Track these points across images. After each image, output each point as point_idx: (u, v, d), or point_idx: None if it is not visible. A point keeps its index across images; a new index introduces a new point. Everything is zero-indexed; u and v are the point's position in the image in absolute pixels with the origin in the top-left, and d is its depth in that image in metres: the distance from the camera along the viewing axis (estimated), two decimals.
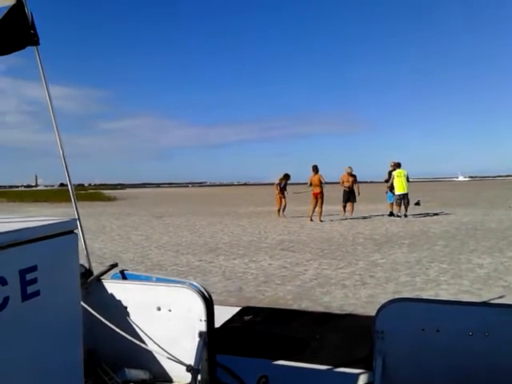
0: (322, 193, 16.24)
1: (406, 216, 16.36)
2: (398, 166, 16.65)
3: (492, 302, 5.26)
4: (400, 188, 16.23)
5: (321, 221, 15.86)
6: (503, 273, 6.89)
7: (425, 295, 5.68)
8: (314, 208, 16.32)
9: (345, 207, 17.20)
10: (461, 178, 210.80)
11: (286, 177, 18.08)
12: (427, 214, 17.27)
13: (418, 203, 21.86)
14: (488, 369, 2.13)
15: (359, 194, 17.00)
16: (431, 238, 10.89)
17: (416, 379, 2.25)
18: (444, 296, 5.63)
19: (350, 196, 16.83)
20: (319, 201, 16.19)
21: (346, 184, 16.70)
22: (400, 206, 16.53)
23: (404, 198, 16.40)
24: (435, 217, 16.68)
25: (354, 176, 16.84)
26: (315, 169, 16.44)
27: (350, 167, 16.87)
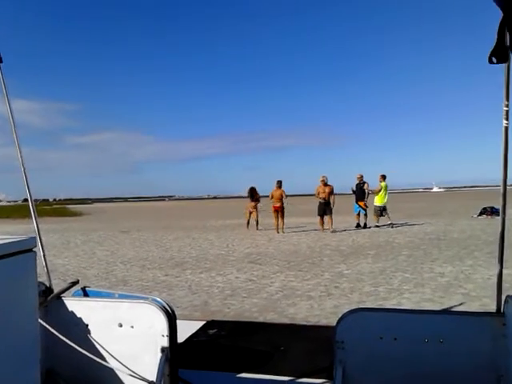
0: (282, 206, 16.60)
1: (377, 226, 16.90)
2: (384, 178, 17.09)
3: (451, 309, 5.40)
4: (382, 200, 16.78)
5: (284, 232, 16.23)
6: (463, 281, 7.07)
7: (388, 304, 5.77)
8: (278, 221, 16.60)
9: (322, 221, 16.34)
10: (435, 189, 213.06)
11: (253, 190, 18.18)
12: (393, 226, 17.61)
13: (382, 214, 22.25)
14: (443, 375, 2.19)
15: (333, 205, 16.24)
16: (396, 249, 11.09)
17: None
18: (406, 304, 5.74)
19: (325, 209, 16.06)
20: (280, 214, 16.55)
21: (322, 195, 16.05)
22: (379, 216, 17.02)
23: (384, 210, 16.97)
24: (400, 227, 17.01)
25: (329, 186, 16.23)
26: (278, 183, 16.80)
27: (324, 176, 16.27)
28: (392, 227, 16.76)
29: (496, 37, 2.02)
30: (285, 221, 16.84)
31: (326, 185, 16.18)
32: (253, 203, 17.93)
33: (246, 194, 18.21)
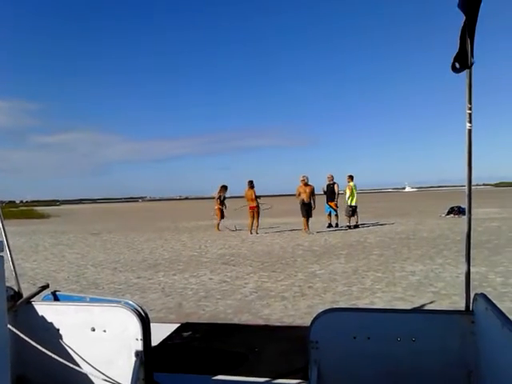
0: (257, 207, 16.54)
1: (354, 227, 17.01)
2: (351, 178, 17.24)
3: (422, 307, 5.51)
4: (353, 200, 16.89)
5: (257, 233, 16.20)
6: (433, 279, 7.23)
7: (361, 304, 5.85)
8: (253, 221, 16.55)
9: (307, 222, 15.86)
10: (408, 189, 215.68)
11: (224, 188, 18.13)
12: (363, 225, 17.84)
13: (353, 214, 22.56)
14: (415, 372, 2.23)
15: (314, 207, 15.87)
16: (367, 248, 11.26)
17: None
18: (379, 303, 5.83)
19: (308, 210, 15.65)
20: (255, 214, 16.50)
21: (303, 195, 15.66)
22: (351, 216, 17.12)
23: (355, 210, 17.10)
24: (371, 227, 17.27)
25: (310, 186, 15.86)
26: (250, 184, 16.76)
27: (305, 176, 15.91)
28: (357, 227, 16.95)
29: (458, 43, 2.08)
30: (259, 222, 16.79)
31: (306, 185, 15.88)
32: (218, 200, 17.84)
33: (216, 195, 17.98)
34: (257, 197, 16.59)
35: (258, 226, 16.58)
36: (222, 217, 18.03)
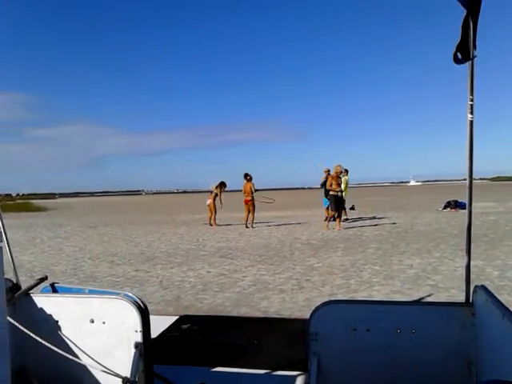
0: (252, 200, 16.27)
1: (346, 220, 16.95)
2: (346, 172, 17.16)
3: (420, 300, 5.53)
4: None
5: (252, 227, 16.06)
6: (431, 272, 7.25)
7: (359, 296, 5.86)
8: (248, 215, 16.38)
9: (340, 217, 14.84)
10: (412, 183, 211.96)
11: (222, 185, 17.93)
12: (361, 219, 17.86)
13: (352, 208, 22.62)
14: (415, 363, 2.24)
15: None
16: (365, 242, 11.27)
17: (349, 377, 2.32)
18: (377, 296, 5.84)
19: (342, 203, 14.79)
20: (250, 208, 16.28)
21: (335, 187, 14.44)
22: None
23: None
24: (369, 221, 17.29)
25: (340, 178, 14.95)
26: (246, 177, 16.40)
27: (339, 166, 14.83)
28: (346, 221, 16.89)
29: (460, 34, 2.07)
30: (255, 215, 16.61)
31: (338, 176, 14.91)
32: (213, 195, 17.63)
33: (214, 190, 17.67)
34: (256, 190, 16.41)
35: (253, 220, 16.40)
36: (215, 211, 17.81)
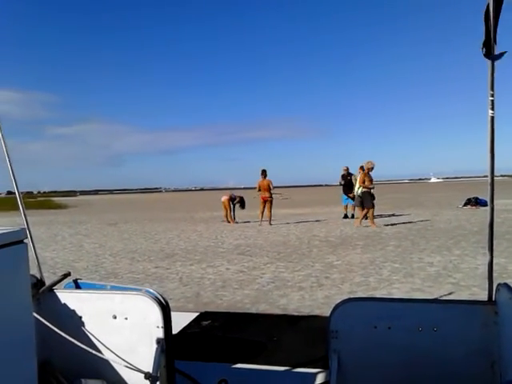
0: (270, 197, 16.19)
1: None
2: (362, 169, 16.97)
3: (441, 298, 5.47)
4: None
5: (270, 224, 15.97)
6: (452, 270, 7.17)
7: (378, 294, 5.83)
8: (263, 212, 16.29)
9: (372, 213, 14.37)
10: (433, 180, 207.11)
11: (240, 199, 17.96)
12: (381, 216, 17.72)
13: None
14: (437, 362, 2.23)
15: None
16: (384, 239, 11.20)
17: (370, 375, 2.32)
18: (397, 294, 5.80)
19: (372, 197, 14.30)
20: (268, 205, 16.17)
21: (368, 183, 14.20)
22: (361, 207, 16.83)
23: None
24: (388, 218, 17.15)
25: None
26: (264, 173, 16.21)
27: (371, 161, 14.47)
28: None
29: (484, 30, 2.04)
30: (272, 212, 16.49)
31: (369, 173, 14.52)
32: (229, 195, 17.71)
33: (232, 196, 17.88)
34: (272, 187, 16.29)
35: (271, 218, 16.29)
36: (230, 211, 17.81)
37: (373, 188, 14.46)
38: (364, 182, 14.26)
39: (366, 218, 14.55)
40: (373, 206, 14.31)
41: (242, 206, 18.10)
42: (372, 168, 14.50)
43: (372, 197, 14.32)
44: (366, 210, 14.43)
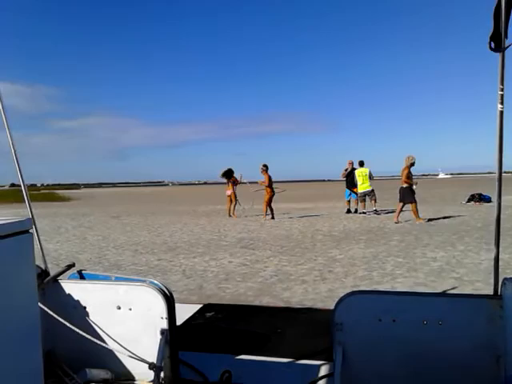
0: (272, 192, 16.21)
1: (376, 212, 16.62)
2: (360, 164, 16.94)
3: (446, 292, 5.46)
4: (363, 186, 16.54)
5: (273, 218, 15.99)
6: (455, 265, 7.15)
7: (381, 288, 5.82)
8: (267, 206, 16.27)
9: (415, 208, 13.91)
10: (441, 176, 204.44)
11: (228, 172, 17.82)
12: (384, 211, 17.68)
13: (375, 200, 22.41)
14: (441, 356, 2.22)
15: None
16: (387, 234, 11.18)
17: (374, 367, 2.32)
18: (400, 288, 5.79)
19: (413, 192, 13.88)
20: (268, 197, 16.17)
21: (409, 181, 13.88)
22: (364, 203, 16.82)
23: (369, 195, 16.66)
24: (392, 213, 17.09)
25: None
26: (265, 167, 16.22)
27: (411, 156, 13.99)
28: (376, 212, 16.69)
29: (493, 24, 2.02)
30: (274, 206, 16.50)
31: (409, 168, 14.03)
32: (230, 186, 17.58)
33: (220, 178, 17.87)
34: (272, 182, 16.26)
35: (273, 211, 16.31)
36: (233, 202, 17.75)
37: (416, 184, 14.15)
38: (408, 178, 13.90)
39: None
40: (415, 201, 13.88)
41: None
42: (413, 163, 14.05)
43: (412, 192, 13.96)
44: (400, 205, 14.03)
